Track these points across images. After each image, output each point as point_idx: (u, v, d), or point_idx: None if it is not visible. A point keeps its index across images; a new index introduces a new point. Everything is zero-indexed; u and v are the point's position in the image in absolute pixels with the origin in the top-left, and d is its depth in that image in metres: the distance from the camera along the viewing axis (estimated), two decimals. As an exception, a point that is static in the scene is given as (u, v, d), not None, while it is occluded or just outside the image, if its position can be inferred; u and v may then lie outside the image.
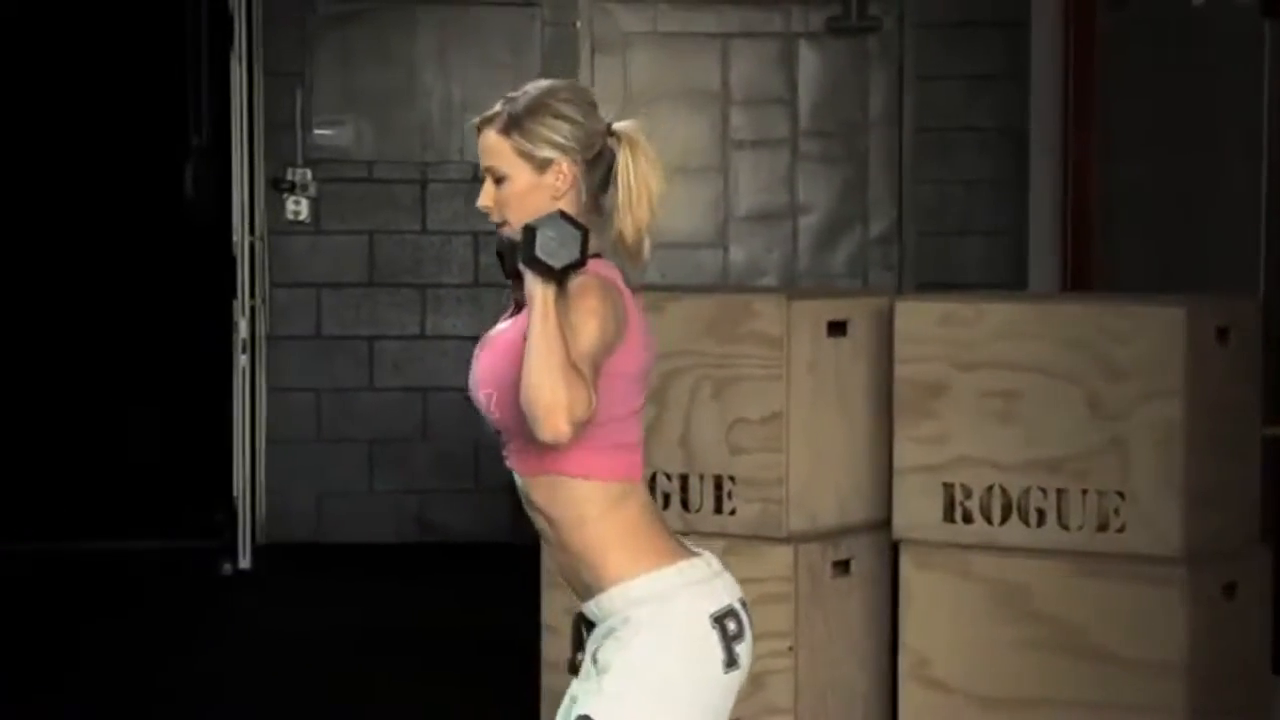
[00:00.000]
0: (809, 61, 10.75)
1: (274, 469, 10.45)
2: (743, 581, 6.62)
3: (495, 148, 3.97)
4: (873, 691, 6.70)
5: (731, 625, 3.97)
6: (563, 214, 3.81)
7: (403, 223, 10.62)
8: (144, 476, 10.41)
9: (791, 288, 10.27)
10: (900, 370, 6.49)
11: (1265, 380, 6.66)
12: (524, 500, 4.03)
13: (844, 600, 6.65)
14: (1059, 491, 6.26)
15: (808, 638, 6.53)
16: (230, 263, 9.97)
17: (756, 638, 6.62)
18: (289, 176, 10.48)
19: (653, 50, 10.76)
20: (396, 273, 10.60)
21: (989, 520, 6.35)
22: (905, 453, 6.47)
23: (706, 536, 6.54)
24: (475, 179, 10.50)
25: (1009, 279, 10.42)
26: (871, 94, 10.76)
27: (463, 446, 10.40)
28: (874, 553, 6.69)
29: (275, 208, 10.46)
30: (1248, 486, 6.46)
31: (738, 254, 10.74)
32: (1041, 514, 6.28)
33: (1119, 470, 6.19)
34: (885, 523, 6.58)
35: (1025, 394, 6.30)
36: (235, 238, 9.98)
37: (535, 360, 3.76)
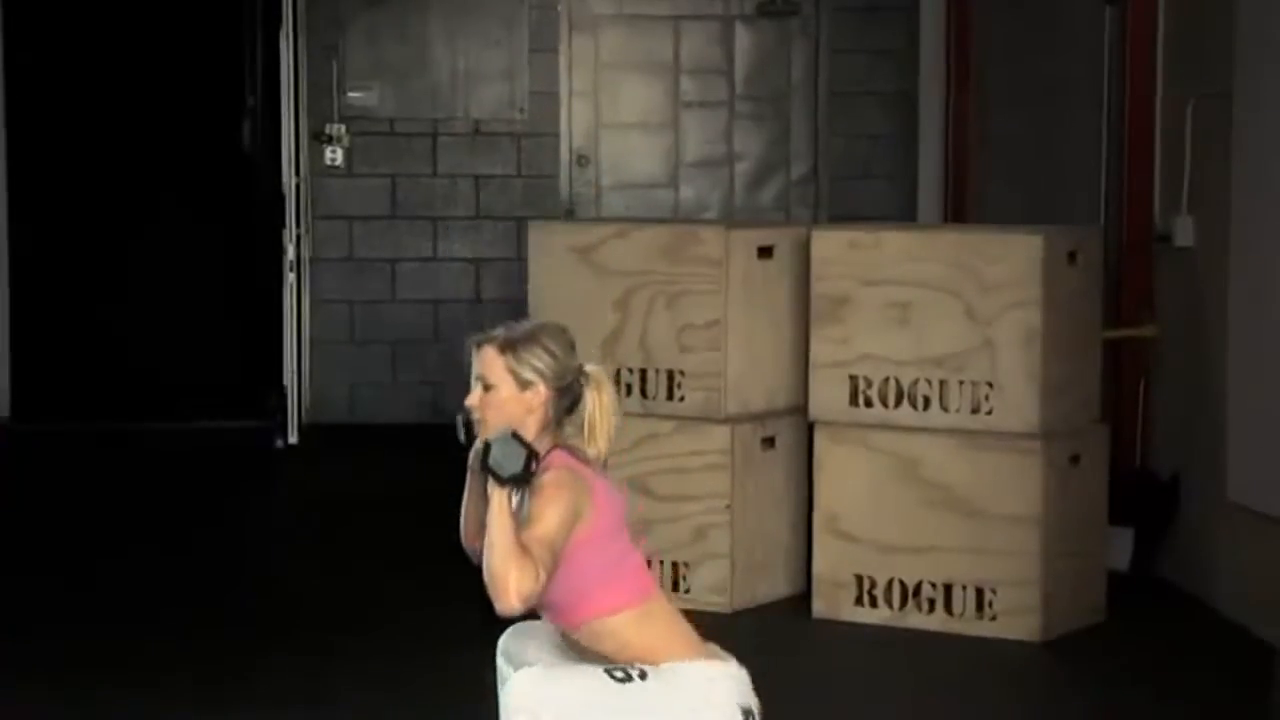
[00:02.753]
0: (743, 38, 10.69)
1: (316, 364, 10.42)
2: (689, 454, 6.68)
3: (490, 362, 3.98)
4: (793, 541, 6.71)
5: None
6: (514, 435, 3.81)
7: (418, 168, 10.55)
8: (211, 371, 10.38)
9: (729, 220, 10.24)
10: (816, 286, 6.48)
11: (1105, 294, 6.66)
12: (569, 645, 3.96)
13: (770, 469, 6.65)
14: (941, 382, 6.26)
15: (741, 499, 6.53)
16: (280, 200, 9.93)
17: (700, 498, 6.67)
18: (327, 130, 10.42)
19: (619, 29, 10.68)
20: (413, 208, 10.55)
21: (886, 405, 6.35)
22: (819, 351, 6.46)
23: (662, 418, 6.56)
24: (476, 133, 10.53)
25: (903, 213, 10.40)
26: (793, 65, 10.70)
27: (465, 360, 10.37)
28: (794, 431, 6.69)
29: (316, 156, 10.40)
30: (1090, 378, 6.47)
31: (686, 193, 10.70)
32: (927, 400, 6.29)
33: (989, 365, 6.20)
34: (803, 407, 6.57)
35: (915, 304, 6.29)
36: (284, 179, 9.94)
37: (490, 550, 3.75)
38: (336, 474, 9.25)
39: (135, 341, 10.37)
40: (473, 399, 3.96)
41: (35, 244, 10.33)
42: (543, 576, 3.72)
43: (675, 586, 6.52)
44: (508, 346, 3.97)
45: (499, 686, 3.98)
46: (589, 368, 3.99)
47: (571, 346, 4.01)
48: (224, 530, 7.92)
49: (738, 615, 6.48)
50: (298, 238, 10.01)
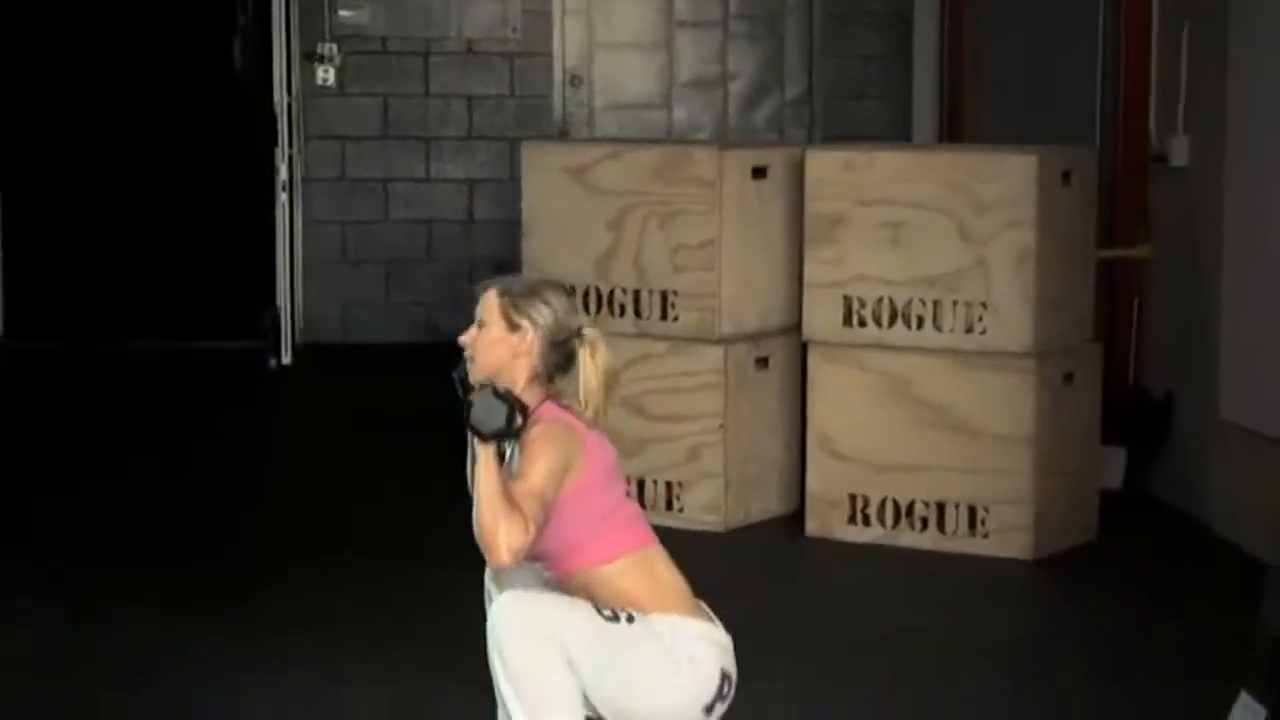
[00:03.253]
0: (738, -43, 10.66)
1: (309, 284, 10.43)
2: (683, 374, 6.70)
3: (488, 303, 4.01)
4: (786, 460, 6.74)
5: (726, 687, 3.91)
6: (495, 391, 3.83)
7: (410, 87, 10.52)
8: (205, 291, 10.38)
9: (723, 140, 10.23)
10: (810, 206, 6.48)
11: (1100, 213, 6.67)
12: (563, 590, 3.96)
13: (764, 389, 6.68)
14: (935, 302, 6.28)
15: (735, 418, 6.56)
16: (272, 119, 9.90)
17: (694, 418, 6.69)
18: (319, 50, 10.38)
19: (612, -52, 10.64)
20: (405, 127, 10.52)
21: (879, 324, 6.37)
22: (813, 271, 6.48)
23: (656, 339, 6.58)
24: (469, 53, 10.50)
25: (897, 134, 10.39)
26: (788, -17, 10.67)
27: (460, 266, 10.37)
28: (788, 351, 6.72)
29: (308, 75, 10.36)
30: (1084, 297, 6.49)
31: (680, 113, 10.68)
32: (921, 320, 6.30)
33: (983, 284, 6.21)
34: (797, 327, 6.59)
35: (909, 224, 6.31)
36: (276, 99, 9.91)
37: (478, 505, 3.78)
38: (331, 394, 9.28)
39: (129, 261, 10.37)
40: (466, 336, 4.00)
41: (27, 164, 10.32)
42: (532, 530, 3.74)
43: (669, 506, 6.56)
44: (507, 291, 4.01)
45: (488, 607, 4.02)
46: (586, 330, 4.01)
47: (574, 308, 4.04)
48: (220, 450, 7.95)
49: (731, 534, 6.52)
50: (290, 158, 10.00)
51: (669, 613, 3.87)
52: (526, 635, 3.74)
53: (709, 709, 3.87)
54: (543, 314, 3.97)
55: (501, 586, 4.01)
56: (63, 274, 10.36)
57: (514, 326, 3.96)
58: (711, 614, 3.95)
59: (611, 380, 4.00)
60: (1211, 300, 6.55)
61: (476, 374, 3.96)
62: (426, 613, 5.54)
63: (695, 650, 3.85)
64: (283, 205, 9.96)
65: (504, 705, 3.80)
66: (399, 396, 8.83)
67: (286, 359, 9.86)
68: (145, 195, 10.38)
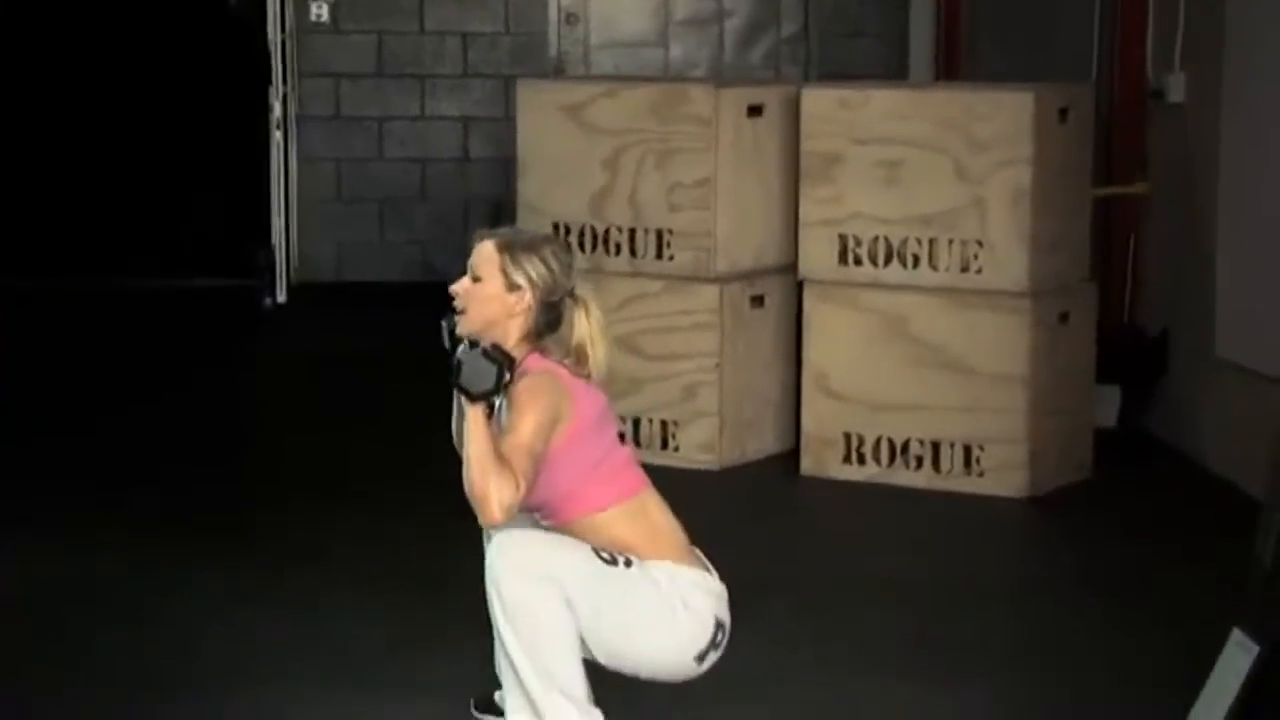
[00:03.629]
0: (733, -108, 10.62)
1: (304, 223, 10.41)
2: (678, 314, 6.71)
3: (486, 255, 3.95)
4: (781, 399, 6.76)
5: (720, 635, 3.92)
6: (485, 351, 3.80)
7: (405, 24, 10.49)
8: (199, 229, 10.38)
9: (719, 78, 10.20)
10: (806, 144, 6.48)
11: (1096, 151, 6.67)
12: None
13: (759, 328, 6.69)
14: (931, 240, 6.28)
15: (730, 357, 6.58)
16: (266, 57, 9.88)
17: (689, 357, 6.71)
18: (312, -14, 10.36)
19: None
20: (400, 65, 10.50)
21: (875, 263, 6.37)
22: (809, 210, 6.48)
23: (651, 278, 6.58)
24: (464, -11, 10.46)
25: (893, 71, 10.36)
26: (784, -81, 10.63)
27: (454, 205, 10.37)
28: (783, 290, 6.72)
29: (302, 12, 10.32)
30: (1080, 236, 6.49)
31: (676, 51, 10.65)
32: (917, 258, 6.31)
33: (978, 223, 6.22)
34: (792, 266, 6.60)
35: (905, 163, 6.30)
36: (270, 36, 9.89)
37: (468, 464, 3.78)
38: (326, 333, 9.29)
39: (123, 199, 10.36)
40: (458, 286, 3.96)
41: (19, 101, 10.29)
42: (523, 485, 3.74)
43: (664, 445, 6.58)
44: (506, 246, 3.95)
45: (486, 546, 4.03)
46: (579, 291, 3.99)
47: (571, 267, 4.00)
48: (215, 389, 7.96)
49: (726, 473, 6.54)
50: (284, 95, 9.98)
51: (665, 559, 3.89)
52: (524, 575, 3.75)
53: (702, 656, 3.89)
54: (540, 273, 3.93)
55: (499, 527, 4.02)
56: (57, 212, 10.35)
57: (512, 285, 3.92)
58: (707, 562, 3.97)
59: (605, 337, 3.99)
60: (1207, 238, 6.56)
61: (466, 326, 3.92)
62: (424, 551, 5.57)
63: (691, 596, 3.87)
64: (277, 143, 9.95)
65: (502, 644, 3.82)
66: (394, 335, 8.82)
67: (281, 298, 9.87)
68: (139, 133, 10.37)
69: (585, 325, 3.97)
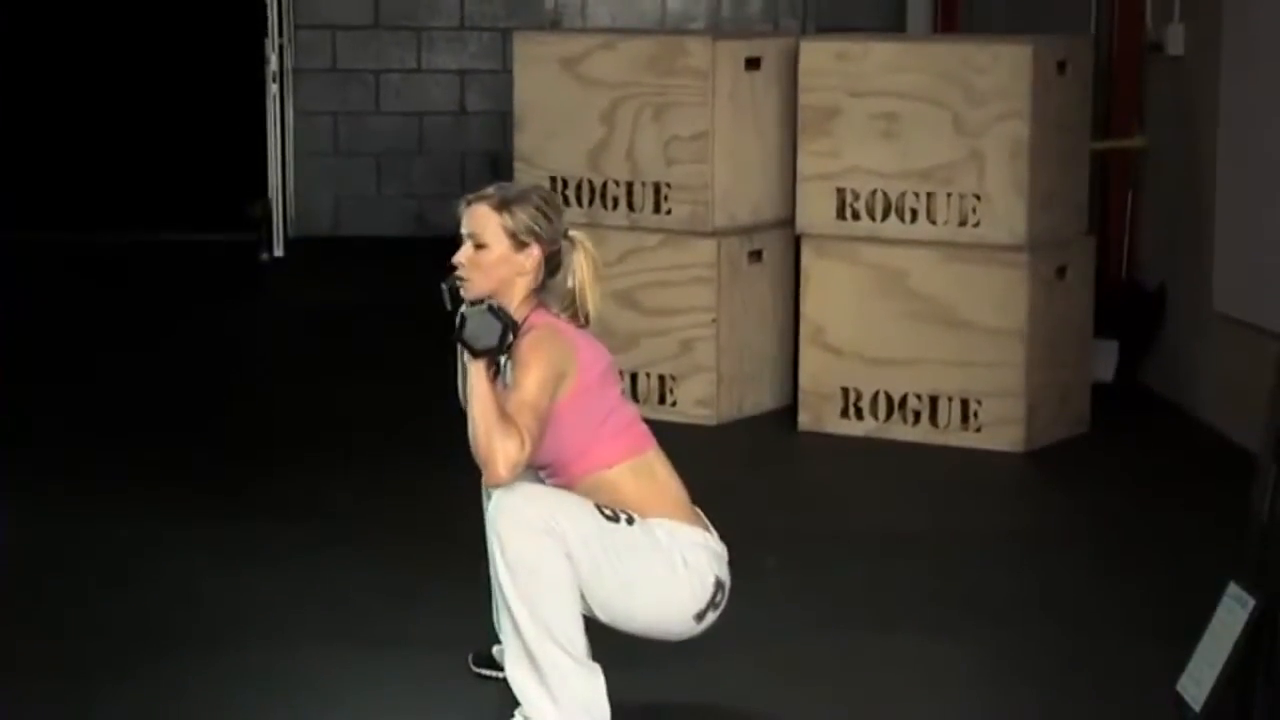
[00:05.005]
0: None
1: (301, 177, 10.40)
2: (676, 268, 6.71)
3: (484, 219, 3.90)
4: (779, 354, 6.77)
5: (719, 595, 3.92)
6: (490, 308, 3.77)
7: (402, -25, 10.48)
8: (196, 183, 10.37)
9: (716, 30, 10.18)
10: (803, 97, 6.47)
11: (1095, 104, 6.66)
12: None
13: (757, 282, 6.69)
14: (929, 194, 6.28)
15: (728, 312, 6.58)
16: (263, 8, 9.86)
17: (687, 312, 6.71)
18: (308, -63, 10.32)
19: None
20: (397, 17, 10.47)
21: (873, 217, 6.37)
22: (807, 164, 6.48)
23: (648, 231, 6.59)
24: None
25: (891, 24, 10.34)
26: None
27: (452, 159, 10.36)
28: (781, 244, 6.73)
29: (297, -36, 10.32)
30: (1078, 189, 6.49)
31: (673, 3, 10.61)
32: (915, 212, 6.31)
33: (976, 177, 6.22)
34: (790, 220, 6.60)
35: (903, 116, 6.30)
36: (265, -11, 9.89)
37: (473, 424, 3.76)
38: (324, 286, 9.29)
39: (119, 154, 10.35)
40: (461, 256, 3.91)
41: (17, 58, 10.27)
42: (529, 444, 3.73)
43: (662, 399, 6.59)
44: (504, 205, 3.91)
45: (484, 501, 4.04)
46: (573, 232, 3.98)
47: (560, 210, 3.99)
48: (214, 343, 7.97)
49: (724, 428, 6.55)
50: (280, 47, 9.96)
51: (667, 517, 3.89)
52: (526, 528, 3.75)
53: (701, 615, 3.90)
54: (542, 224, 3.92)
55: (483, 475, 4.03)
56: (53, 166, 10.34)
57: (520, 245, 3.90)
58: (708, 522, 3.97)
59: (601, 275, 3.99)
60: (1206, 192, 6.55)
61: (472, 292, 3.88)
62: (423, 505, 5.58)
63: (692, 555, 3.87)
64: (273, 96, 9.93)
65: (501, 595, 3.82)
66: (391, 290, 8.84)
67: (278, 251, 9.86)
68: (135, 86, 10.35)
69: (582, 266, 3.95)
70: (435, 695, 4.22)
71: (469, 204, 3.95)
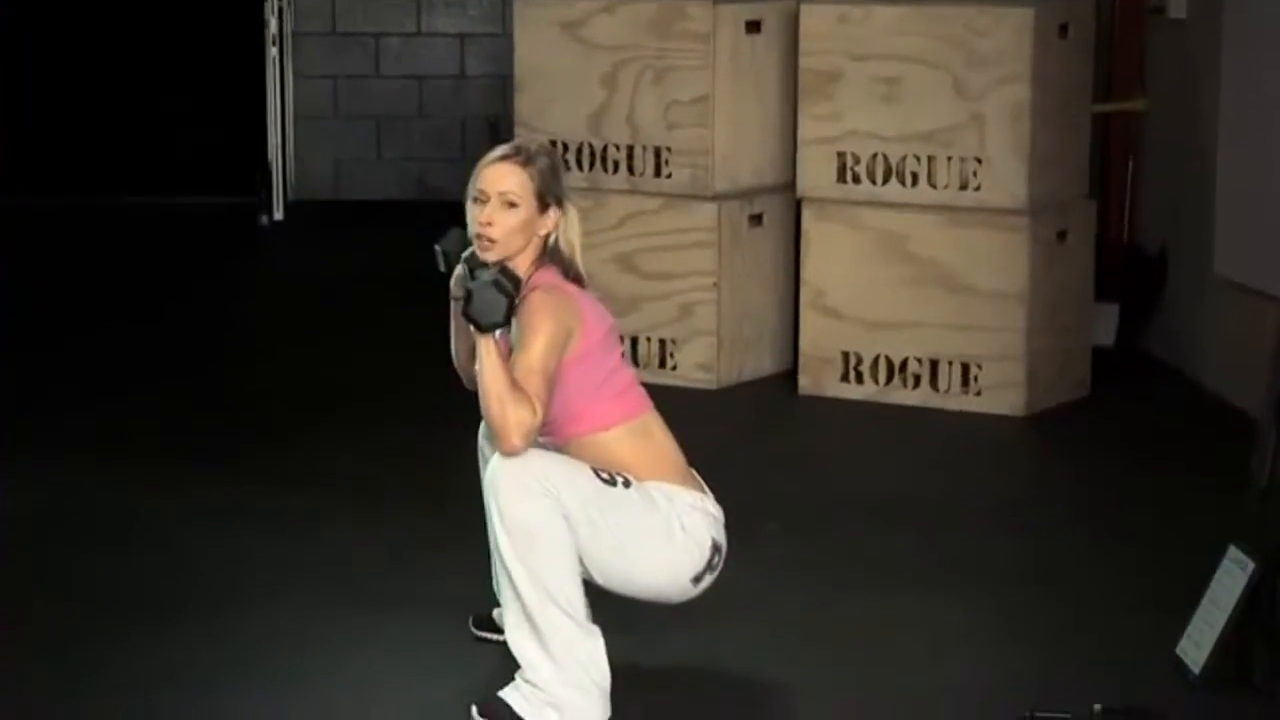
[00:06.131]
0: None
1: (300, 141, 10.38)
2: (676, 232, 6.72)
3: (516, 179, 3.86)
4: (779, 318, 6.77)
5: (716, 559, 3.93)
6: (496, 281, 3.73)
7: (401, -62, 10.44)
8: (195, 146, 10.35)
9: (717, -7, 10.14)
10: (804, 61, 6.46)
11: (1096, 67, 6.65)
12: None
13: (757, 246, 6.69)
14: (929, 158, 6.28)
15: (728, 276, 6.58)
16: (261, -29, 9.86)
17: (687, 276, 6.71)
18: (308, -101, 10.29)
19: None
20: (396, -20, 10.46)
21: (874, 181, 6.37)
22: (807, 127, 6.47)
23: (649, 195, 6.58)
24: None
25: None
26: None
27: (452, 123, 10.33)
28: (782, 208, 6.72)
29: (297, -74, 10.29)
30: (1079, 153, 6.49)
31: (673, -35, 10.58)
32: (915, 176, 6.31)
33: (977, 140, 6.21)
34: (791, 184, 6.60)
35: (904, 79, 6.29)
36: (265, -49, 9.86)
37: (484, 396, 3.75)
38: (323, 250, 9.29)
39: (119, 116, 10.33)
40: (490, 215, 3.85)
41: (15, 22, 10.24)
42: (540, 410, 3.73)
43: (662, 364, 6.59)
44: (531, 163, 3.88)
45: (481, 466, 4.04)
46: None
47: (564, 172, 3.99)
48: (214, 307, 7.97)
49: (724, 392, 6.56)
50: (279, 10, 9.94)
51: (664, 480, 3.89)
52: (523, 491, 3.75)
53: (698, 578, 3.91)
54: (564, 188, 3.92)
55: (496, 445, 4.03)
56: (52, 130, 10.32)
57: (545, 206, 3.88)
58: (704, 485, 3.98)
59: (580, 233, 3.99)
60: (1207, 155, 6.55)
61: (492, 256, 3.84)
62: (423, 468, 5.59)
63: (688, 518, 3.88)
64: (273, 59, 9.92)
65: (500, 559, 3.83)
66: (391, 253, 8.83)
67: (278, 215, 9.85)
68: (134, 50, 10.32)
69: (574, 224, 3.95)
70: (435, 658, 4.24)
71: (493, 162, 3.90)
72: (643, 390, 3.99)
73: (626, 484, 3.84)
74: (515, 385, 3.73)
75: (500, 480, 3.76)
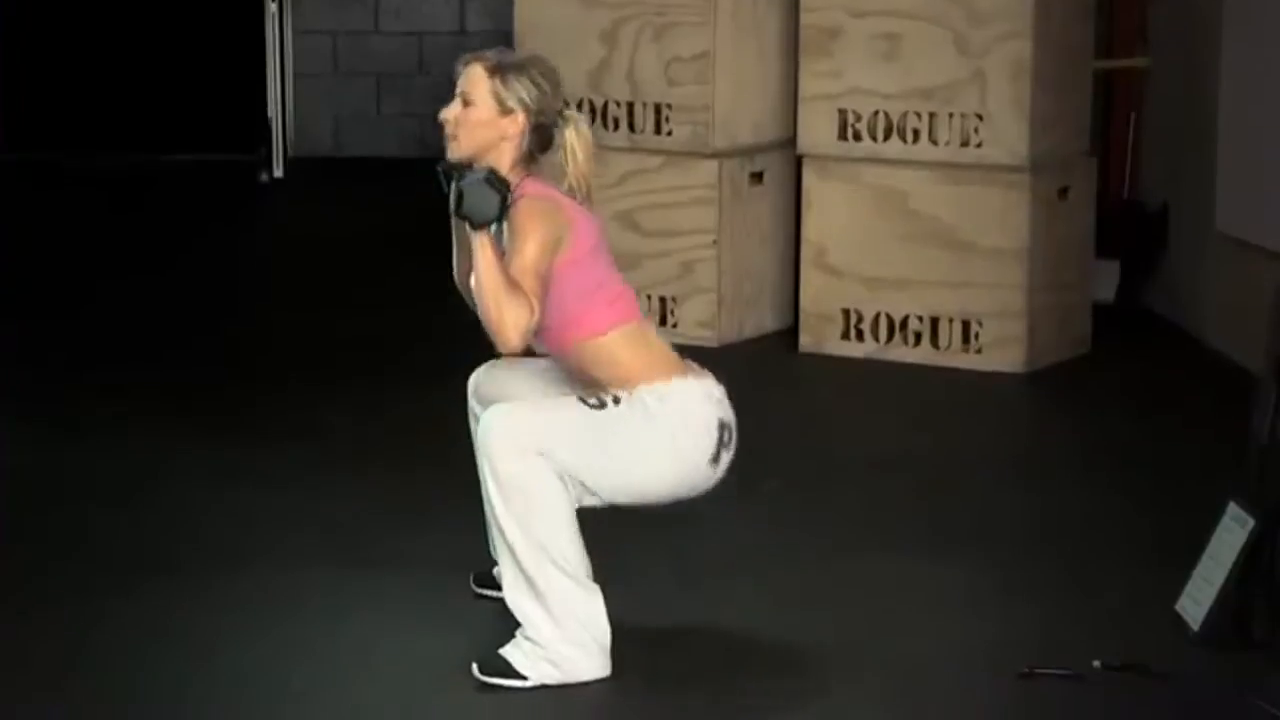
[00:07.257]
0: None
1: (300, 97, 10.36)
2: (676, 189, 6.71)
3: (476, 79, 3.96)
4: (780, 276, 6.77)
5: (726, 435, 3.92)
6: (487, 178, 3.77)
7: (400, -105, 10.41)
8: (194, 103, 10.33)
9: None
10: (805, 18, 6.45)
11: (1097, 23, 6.63)
12: (560, 369, 4.01)
13: (758, 204, 6.68)
14: (930, 115, 6.27)
15: (729, 233, 6.58)
16: (260, -73, 9.83)
17: (688, 233, 6.71)
18: None
19: None
20: (395, -65, 10.42)
21: (874, 138, 6.36)
22: (808, 84, 6.46)
23: (649, 153, 6.57)
24: None
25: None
26: None
27: (451, 79, 10.30)
28: (782, 165, 6.71)
29: (296, -119, 10.24)
30: (1080, 110, 6.48)
31: (674, -80, 10.55)
32: (916, 133, 6.30)
33: (978, 97, 6.20)
34: (791, 141, 6.59)
35: (905, 36, 6.28)
36: (263, -94, 9.82)
37: (481, 294, 3.77)
38: (323, 208, 9.27)
39: (117, 74, 10.31)
40: (449, 111, 3.97)
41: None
42: (536, 307, 3.75)
43: (663, 321, 6.59)
44: (497, 70, 3.95)
45: (471, 423, 4.05)
46: (568, 111, 3.98)
47: (559, 85, 3.99)
48: (213, 265, 7.96)
49: (725, 349, 6.55)
50: (279, -34, 9.91)
51: (657, 380, 3.89)
52: (515, 449, 3.76)
53: (715, 459, 3.91)
54: (531, 94, 3.94)
55: (484, 401, 4.04)
56: (50, 87, 10.30)
57: (505, 110, 3.93)
58: (700, 369, 3.98)
59: (591, 154, 3.99)
60: (1209, 111, 6.53)
61: (457, 152, 3.93)
62: (421, 426, 5.59)
63: (687, 410, 3.88)
64: (272, 15, 9.89)
65: (495, 519, 3.84)
66: (391, 211, 8.82)
67: (278, 172, 9.84)
68: (133, 6, 10.29)
69: (576, 145, 3.97)
70: (436, 615, 4.25)
71: (467, 62, 4.01)
72: (634, 297, 4.00)
73: (616, 401, 3.85)
74: (511, 284, 3.75)
75: (491, 439, 3.77)
